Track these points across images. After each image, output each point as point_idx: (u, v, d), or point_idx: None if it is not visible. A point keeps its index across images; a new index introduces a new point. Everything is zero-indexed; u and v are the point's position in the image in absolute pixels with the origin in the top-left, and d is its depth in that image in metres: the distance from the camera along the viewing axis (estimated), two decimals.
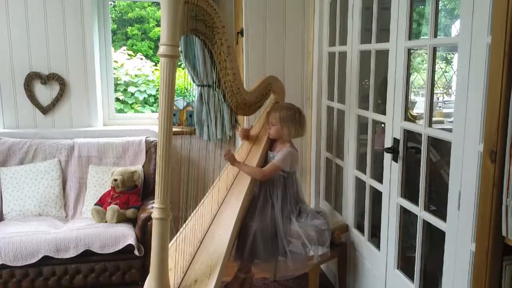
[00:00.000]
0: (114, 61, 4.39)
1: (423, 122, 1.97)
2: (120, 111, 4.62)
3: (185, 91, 4.03)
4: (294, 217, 2.51)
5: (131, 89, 4.78)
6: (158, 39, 1.60)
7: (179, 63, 3.72)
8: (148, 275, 1.73)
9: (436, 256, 1.92)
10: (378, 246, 2.42)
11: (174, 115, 3.67)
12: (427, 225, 1.99)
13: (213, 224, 2.18)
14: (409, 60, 2.11)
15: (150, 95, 4.91)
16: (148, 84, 4.89)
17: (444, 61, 4.73)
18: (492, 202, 1.11)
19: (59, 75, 3.42)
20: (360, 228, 2.67)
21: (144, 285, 1.76)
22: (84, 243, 2.67)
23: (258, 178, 2.47)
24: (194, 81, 3.44)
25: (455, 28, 3.85)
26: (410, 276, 2.12)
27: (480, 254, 1.16)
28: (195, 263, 1.93)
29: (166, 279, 1.72)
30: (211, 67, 3.27)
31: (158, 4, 5.29)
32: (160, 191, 1.66)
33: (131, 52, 5.12)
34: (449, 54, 4.63)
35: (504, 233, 1.11)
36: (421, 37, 3.41)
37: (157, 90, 4.90)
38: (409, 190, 2.17)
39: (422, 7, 3.53)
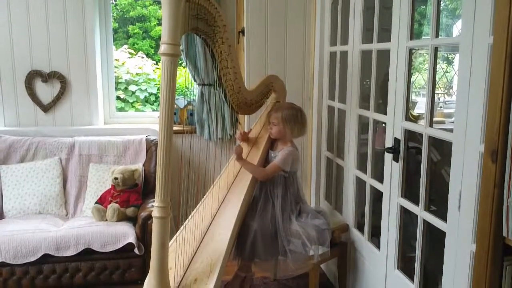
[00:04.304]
0: (115, 60, 4.40)
1: (424, 122, 1.97)
2: (121, 109, 4.62)
3: (186, 89, 4.03)
4: (294, 217, 2.51)
5: (132, 87, 4.78)
6: (159, 37, 1.60)
7: (180, 62, 3.71)
8: (148, 274, 1.73)
9: (436, 256, 1.92)
10: (378, 246, 2.42)
11: (175, 114, 3.67)
12: (427, 225, 1.99)
13: (213, 223, 2.18)
14: (410, 60, 2.11)
15: (151, 94, 4.91)
16: (149, 83, 4.89)
17: (445, 61, 4.72)
18: (492, 202, 1.11)
19: (60, 73, 3.42)
20: (360, 228, 2.67)
21: (144, 283, 1.76)
22: (84, 241, 2.67)
23: (259, 177, 2.47)
24: (195, 80, 3.44)
25: (457, 28, 3.85)
26: (410, 276, 2.12)
27: (481, 254, 1.16)
28: (195, 262, 1.93)
29: (166, 278, 1.72)
30: (212, 66, 3.27)
31: (159, 2, 5.28)
32: (160, 190, 1.66)
33: (132, 51, 5.12)
34: (450, 54, 4.62)
35: (504, 234, 1.11)
36: (423, 37, 3.41)
37: (158, 89, 4.90)
38: (409, 190, 2.17)
39: (424, 7, 3.52)
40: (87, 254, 2.69)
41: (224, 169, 2.59)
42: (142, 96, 4.81)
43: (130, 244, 2.70)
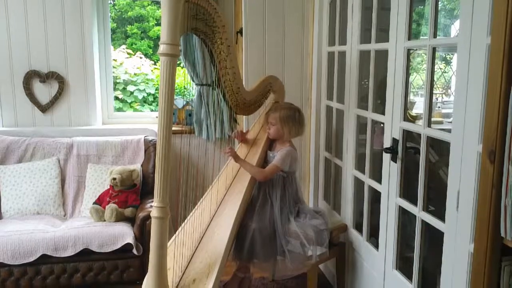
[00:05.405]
0: (113, 60, 4.39)
1: (422, 122, 1.97)
2: (119, 109, 4.61)
3: (184, 90, 4.03)
4: (293, 217, 2.50)
5: (130, 88, 4.78)
6: (158, 38, 1.61)
7: (178, 62, 3.71)
8: (147, 274, 1.73)
9: (434, 256, 1.92)
10: (376, 246, 2.42)
11: (173, 114, 3.66)
12: (425, 225, 1.99)
13: (212, 223, 2.18)
14: (408, 60, 2.11)
15: (149, 94, 4.90)
16: (147, 83, 4.88)
17: (443, 62, 4.73)
18: (490, 202, 1.11)
19: (58, 74, 3.41)
20: (359, 228, 2.67)
21: (143, 284, 1.76)
22: (82, 241, 2.66)
23: (258, 178, 2.47)
24: (193, 80, 3.43)
25: (455, 28, 3.86)
26: (409, 276, 2.12)
27: (479, 254, 1.16)
28: (193, 262, 1.93)
29: (164, 278, 1.72)
30: (210, 66, 3.27)
31: (158, 3, 5.28)
32: (159, 190, 1.66)
33: (130, 51, 5.11)
34: (448, 54, 4.63)
35: (502, 234, 1.11)
36: (421, 37, 3.41)
37: (156, 89, 4.89)
38: (408, 191, 2.17)
39: (422, 7, 3.53)
40: (85, 254, 2.68)
41: (223, 170, 2.59)
42: (140, 96, 4.81)
43: (128, 244, 2.69)
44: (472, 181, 1.59)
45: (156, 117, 2.20)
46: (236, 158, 2.45)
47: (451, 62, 4.68)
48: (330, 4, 2.99)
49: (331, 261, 2.83)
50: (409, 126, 2.14)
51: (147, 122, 3.75)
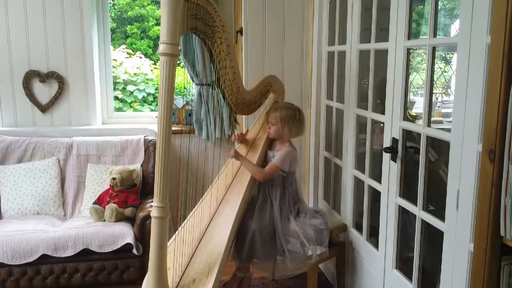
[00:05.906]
0: (113, 60, 4.39)
1: (422, 122, 1.97)
2: (118, 109, 4.61)
3: (184, 89, 4.03)
4: (293, 217, 2.51)
5: (130, 87, 4.78)
6: (158, 37, 1.61)
7: (178, 62, 3.71)
8: (147, 274, 1.73)
9: (434, 256, 1.92)
10: (376, 245, 2.42)
11: (173, 113, 3.66)
12: (425, 225, 1.99)
13: (212, 223, 2.18)
14: (408, 60, 2.11)
15: (149, 94, 4.90)
16: (147, 83, 4.88)
17: (443, 61, 4.73)
18: (490, 201, 1.11)
19: (58, 74, 3.41)
20: (359, 227, 2.67)
21: (143, 284, 1.76)
22: (82, 241, 2.66)
23: (258, 178, 2.47)
24: (193, 80, 3.43)
25: (455, 28, 3.85)
26: (409, 276, 2.12)
27: (479, 254, 1.16)
28: (193, 262, 1.93)
29: (164, 278, 1.72)
30: (210, 66, 3.27)
31: (157, 2, 5.27)
32: (159, 190, 1.65)
33: (130, 51, 5.11)
34: (448, 54, 4.63)
35: (502, 233, 1.11)
36: (421, 36, 3.41)
37: (156, 89, 4.89)
38: (407, 190, 2.17)
39: (422, 6, 3.53)
40: (85, 254, 2.68)
41: (223, 169, 2.59)
42: (140, 96, 4.81)
43: (128, 244, 2.69)
44: (472, 180, 1.59)
45: (156, 117, 2.19)
46: (238, 156, 2.46)
47: (451, 62, 4.68)
48: (330, 3, 2.99)
49: (331, 260, 2.83)
50: (409, 126, 2.14)
51: (147, 122, 3.75)
